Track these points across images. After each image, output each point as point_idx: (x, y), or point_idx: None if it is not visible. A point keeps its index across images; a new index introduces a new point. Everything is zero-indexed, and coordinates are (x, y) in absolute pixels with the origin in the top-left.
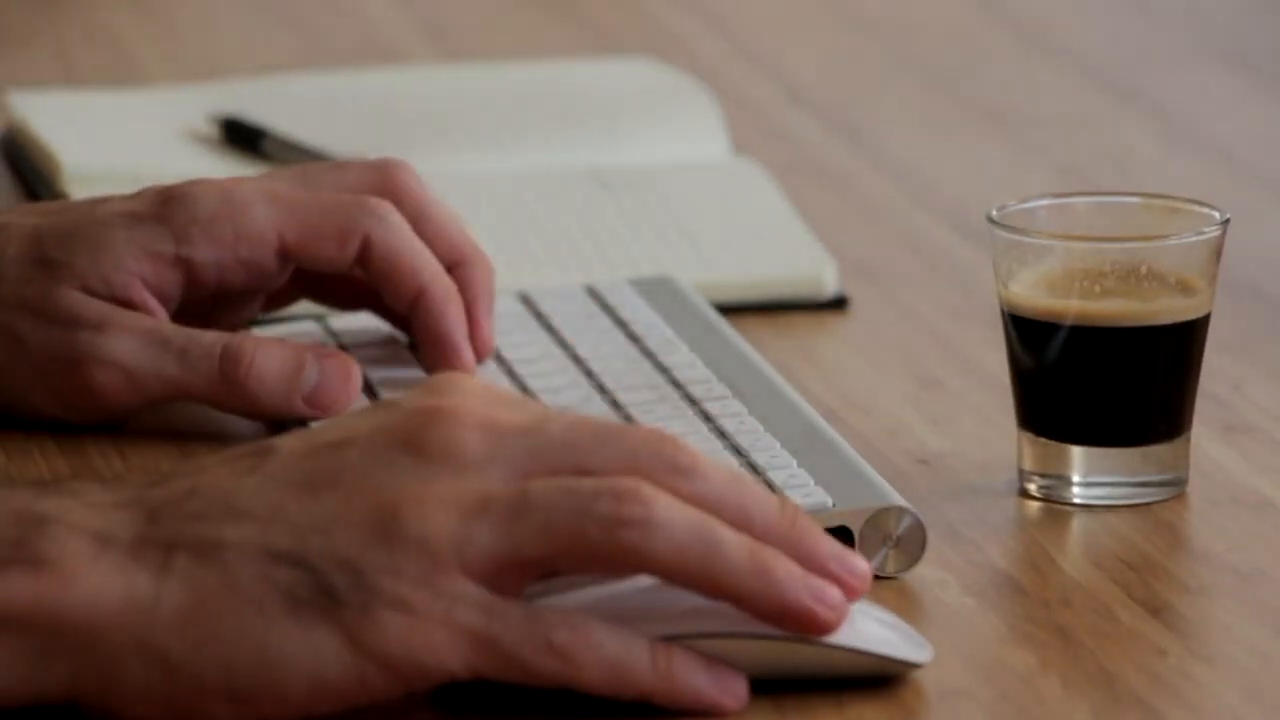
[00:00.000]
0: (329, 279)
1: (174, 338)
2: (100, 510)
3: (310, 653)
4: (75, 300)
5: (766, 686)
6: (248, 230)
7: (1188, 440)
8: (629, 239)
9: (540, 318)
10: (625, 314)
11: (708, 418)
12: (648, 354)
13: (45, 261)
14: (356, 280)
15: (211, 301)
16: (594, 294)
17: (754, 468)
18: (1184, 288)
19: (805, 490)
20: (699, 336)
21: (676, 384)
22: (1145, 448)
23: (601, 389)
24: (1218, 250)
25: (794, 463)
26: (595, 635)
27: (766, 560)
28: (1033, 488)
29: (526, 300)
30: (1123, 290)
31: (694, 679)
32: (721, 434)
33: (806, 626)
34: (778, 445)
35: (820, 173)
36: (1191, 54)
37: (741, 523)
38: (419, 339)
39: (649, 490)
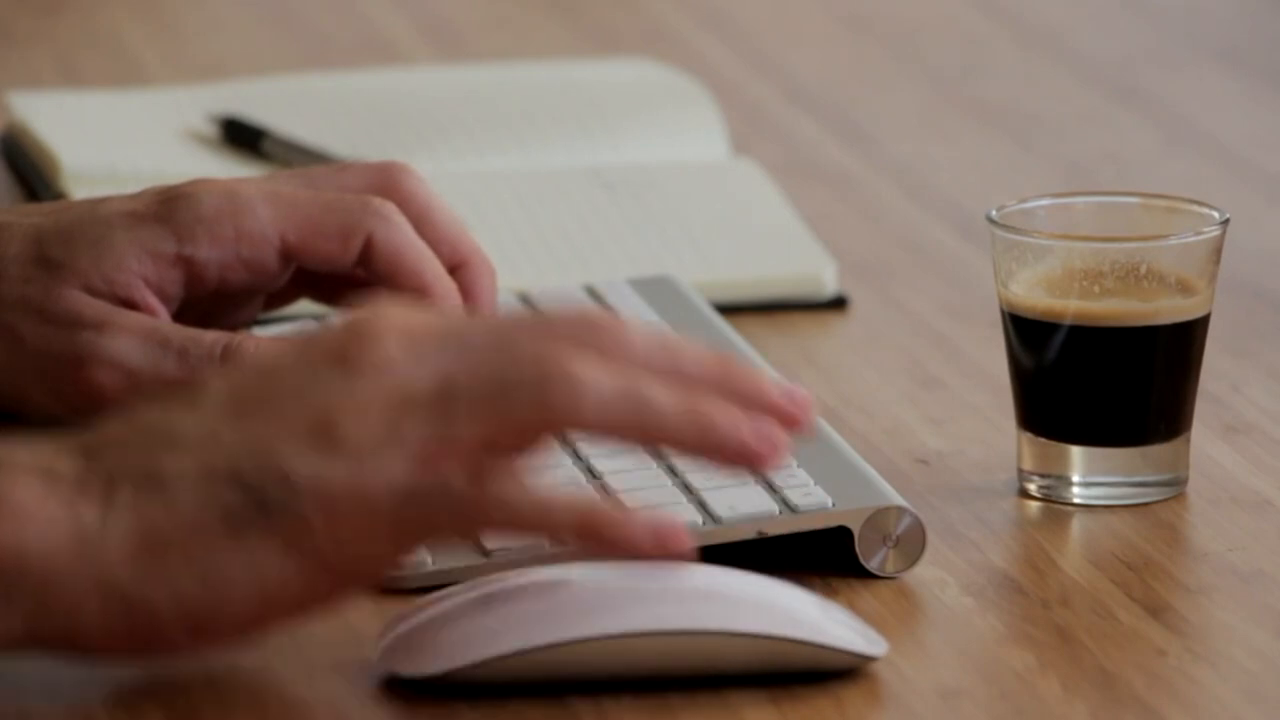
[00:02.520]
0: (330, 278)
1: (174, 338)
2: (42, 452)
3: (253, 569)
4: (76, 300)
5: (766, 685)
6: (250, 229)
7: (1188, 440)
8: (629, 239)
9: None
10: (625, 314)
11: None
12: None
13: (46, 261)
14: (358, 280)
15: (213, 301)
16: (594, 294)
17: None
18: (1184, 288)
19: (805, 490)
20: (699, 336)
21: None
22: (1145, 448)
23: None
24: (1217, 250)
25: (794, 463)
26: (523, 486)
27: (698, 403)
28: (1032, 488)
29: (526, 300)
30: (1122, 290)
31: (628, 526)
32: None
33: (748, 462)
34: None
35: (820, 173)
36: (1191, 54)
37: (673, 372)
38: None
39: (568, 350)
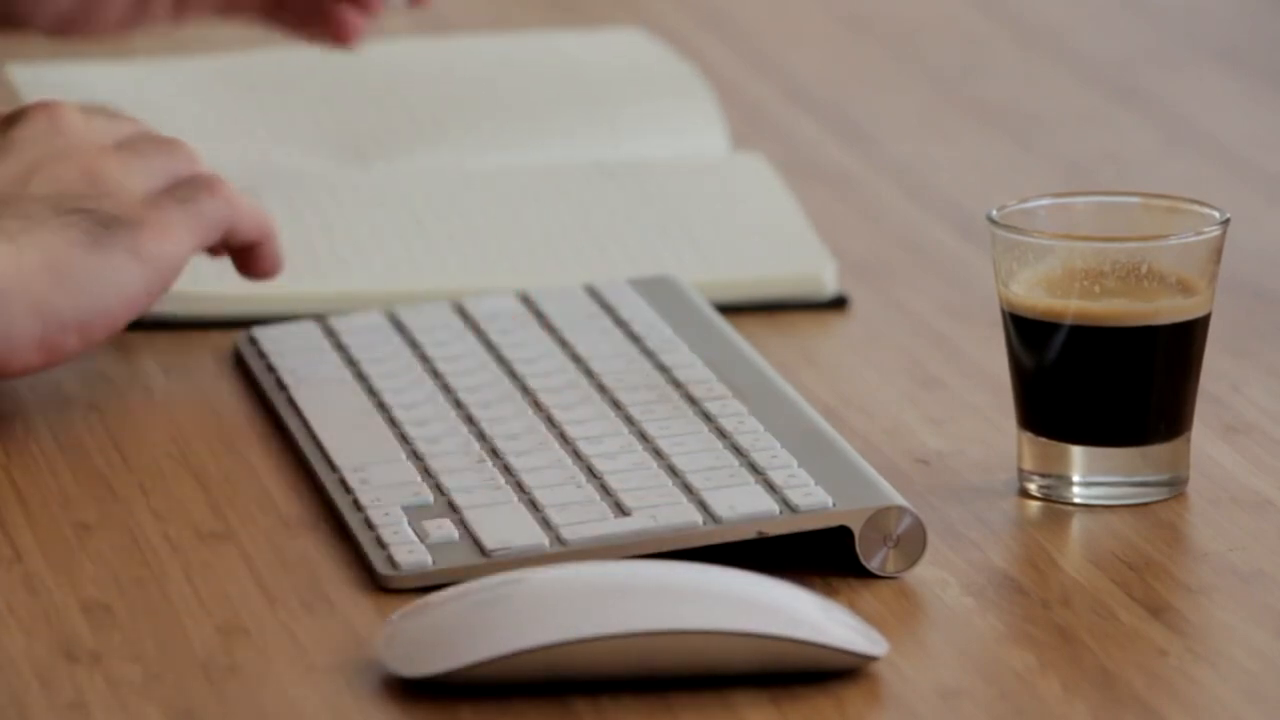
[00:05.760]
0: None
1: None
2: None
3: (118, 274)
4: None
5: (766, 685)
6: None
7: (1188, 440)
8: (630, 238)
9: (540, 317)
10: (625, 314)
11: (708, 418)
12: (648, 354)
13: None
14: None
15: None
16: (594, 293)
17: (754, 468)
18: (1184, 287)
19: (805, 490)
20: (699, 336)
21: (676, 384)
22: (1145, 448)
23: (601, 389)
24: (1218, 250)
25: (794, 463)
26: (242, 200)
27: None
28: (1033, 488)
29: (526, 300)
30: (1123, 290)
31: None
32: (722, 434)
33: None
34: (778, 445)
35: (820, 173)
36: (1191, 54)
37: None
38: None
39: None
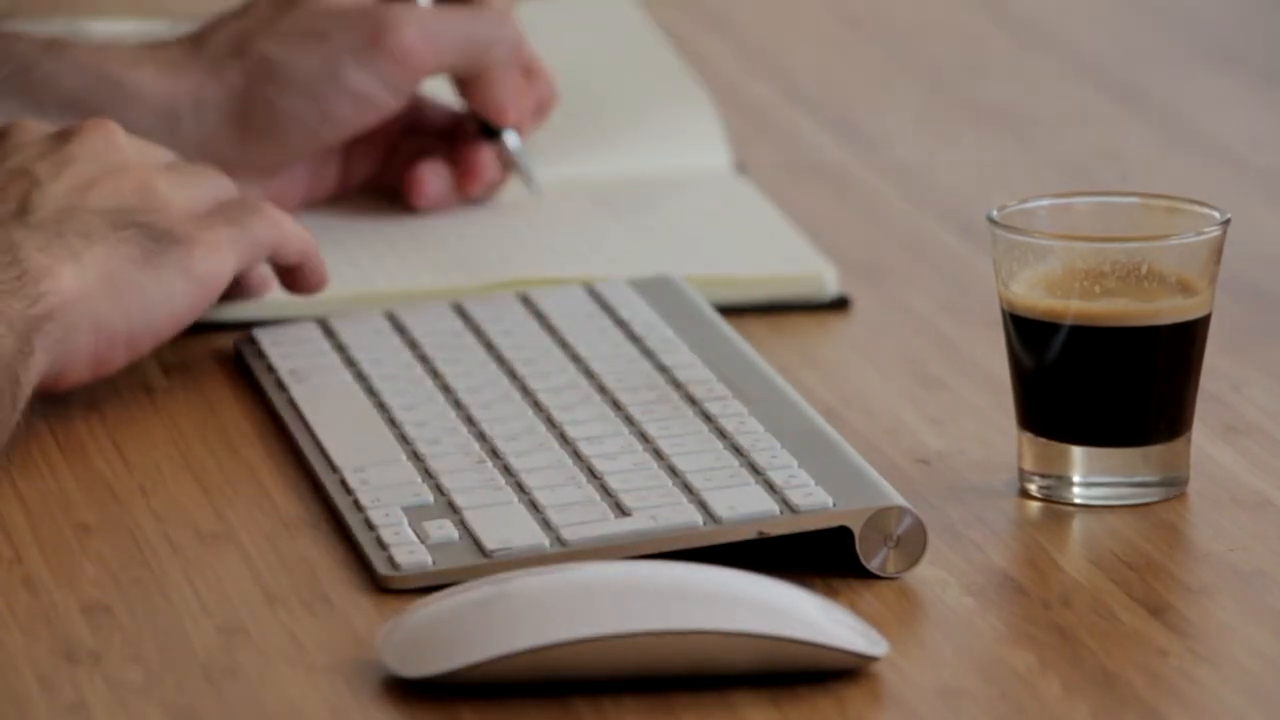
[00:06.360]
0: None
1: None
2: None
3: (169, 290)
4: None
5: (767, 685)
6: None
7: (1188, 440)
8: (630, 239)
9: (540, 317)
10: (625, 314)
11: (708, 418)
12: (648, 354)
13: None
14: None
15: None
16: (594, 294)
17: (754, 468)
18: (1184, 288)
19: (806, 490)
20: (699, 336)
21: (676, 384)
22: (1145, 448)
23: (602, 389)
24: (1218, 250)
25: (794, 463)
26: (287, 222)
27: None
28: (1033, 488)
29: (526, 300)
30: (1123, 290)
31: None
32: (722, 434)
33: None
34: (778, 446)
35: (820, 173)
36: (1191, 54)
37: None
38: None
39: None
